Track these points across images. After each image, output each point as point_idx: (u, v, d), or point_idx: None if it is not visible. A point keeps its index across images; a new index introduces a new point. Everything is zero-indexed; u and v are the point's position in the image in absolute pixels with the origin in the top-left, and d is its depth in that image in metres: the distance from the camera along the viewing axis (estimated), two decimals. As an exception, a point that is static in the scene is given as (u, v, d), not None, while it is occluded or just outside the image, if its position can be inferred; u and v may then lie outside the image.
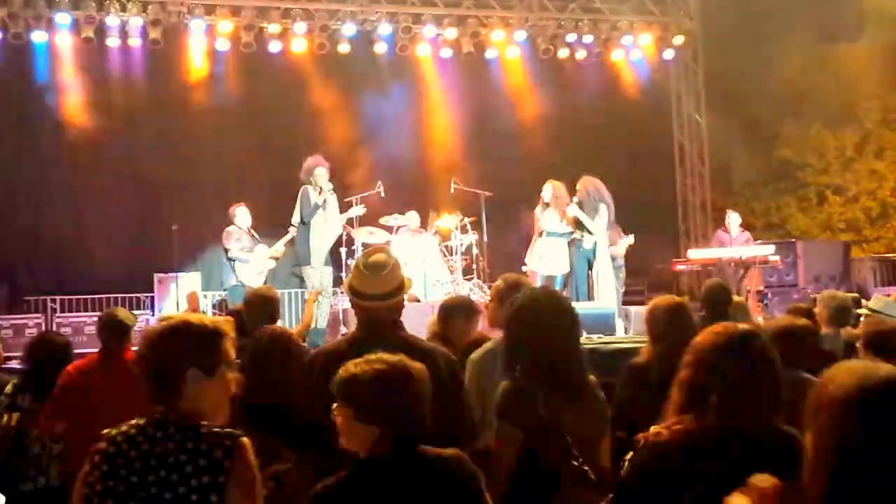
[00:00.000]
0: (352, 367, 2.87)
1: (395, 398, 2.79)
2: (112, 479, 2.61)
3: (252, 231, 11.34)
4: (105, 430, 2.72)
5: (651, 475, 2.74)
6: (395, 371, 2.83)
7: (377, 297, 3.74)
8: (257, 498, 2.70)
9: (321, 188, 10.86)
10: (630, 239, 11.74)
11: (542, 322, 3.72)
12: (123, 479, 2.60)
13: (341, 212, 11.27)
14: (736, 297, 7.25)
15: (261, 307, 5.81)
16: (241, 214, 11.27)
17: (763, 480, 2.19)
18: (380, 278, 3.74)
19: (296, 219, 11.00)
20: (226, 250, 11.18)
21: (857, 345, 5.18)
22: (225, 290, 11.65)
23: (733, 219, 12.94)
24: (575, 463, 3.42)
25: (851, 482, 1.84)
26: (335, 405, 2.86)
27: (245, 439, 2.67)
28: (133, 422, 2.71)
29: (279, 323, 6.08)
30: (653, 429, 2.82)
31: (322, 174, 10.89)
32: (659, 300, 4.94)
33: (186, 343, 2.72)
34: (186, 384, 2.69)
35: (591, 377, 3.78)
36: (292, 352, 4.72)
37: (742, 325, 2.94)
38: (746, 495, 2.18)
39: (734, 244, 12.46)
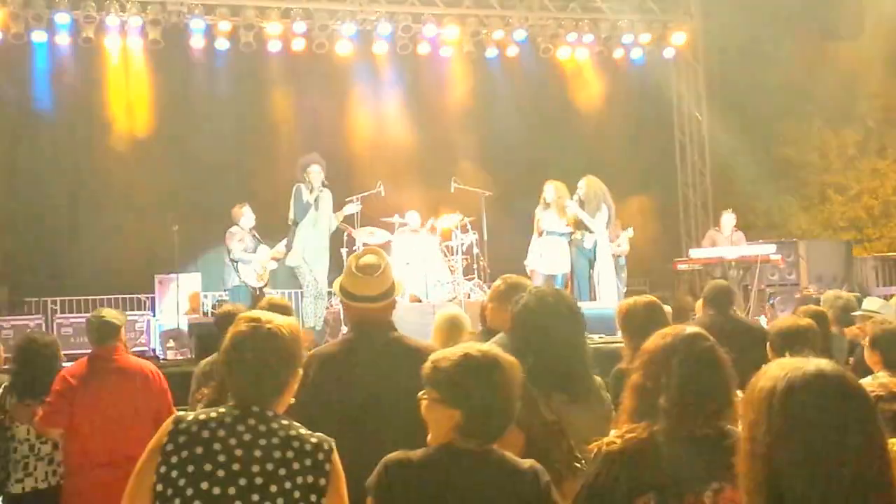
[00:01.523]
0: (443, 352, 2.88)
1: (480, 384, 2.77)
2: (209, 463, 2.62)
3: (254, 232, 11.35)
4: (183, 413, 2.75)
5: (603, 485, 2.72)
6: (483, 357, 2.82)
7: (369, 298, 3.75)
8: (346, 501, 2.77)
9: (313, 186, 10.83)
10: (629, 232, 11.73)
11: (548, 321, 3.70)
12: (223, 465, 2.62)
13: (336, 209, 11.25)
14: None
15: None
16: (246, 215, 11.30)
17: None
18: (372, 280, 3.75)
19: (290, 218, 11.00)
20: (228, 251, 11.18)
21: (863, 343, 5.18)
22: (226, 290, 11.64)
23: (727, 219, 12.89)
24: (578, 465, 3.39)
25: (780, 472, 1.82)
26: (423, 391, 2.85)
27: (333, 443, 2.77)
28: (222, 410, 2.73)
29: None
30: (606, 438, 2.80)
31: (315, 171, 10.85)
32: (634, 300, 4.90)
33: (297, 347, 2.83)
34: (289, 385, 2.80)
35: (597, 378, 3.75)
36: None
37: (690, 328, 2.92)
38: None
39: (727, 244, 12.48)
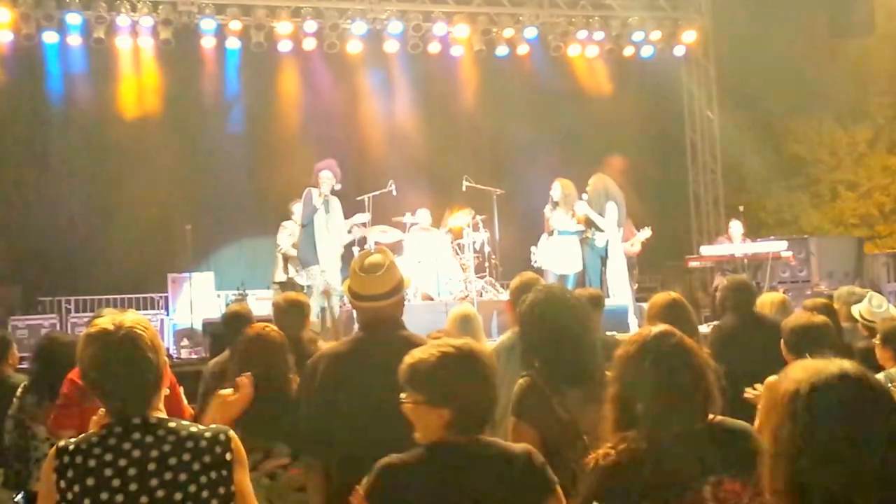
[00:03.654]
0: (417, 352, 2.89)
1: (464, 379, 2.80)
2: (105, 492, 2.56)
3: None
4: (64, 443, 2.64)
5: (603, 498, 2.74)
6: (460, 352, 2.85)
7: (375, 297, 3.78)
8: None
9: (321, 191, 10.86)
10: (646, 232, 11.72)
11: (557, 318, 3.72)
12: (120, 489, 2.57)
13: (347, 216, 11.23)
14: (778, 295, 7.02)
15: (289, 312, 5.76)
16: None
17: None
18: (376, 279, 3.78)
19: (297, 219, 11.05)
20: (277, 245, 11.32)
21: (875, 340, 5.18)
22: (269, 286, 11.79)
23: (735, 227, 12.57)
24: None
25: (807, 476, 1.83)
26: (404, 394, 2.86)
27: (231, 431, 2.75)
28: (103, 431, 2.65)
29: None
30: (601, 450, 2.81)
31: (326, 177, 10.84)
32: (657, 297, 4.90)
33: (157, 339, 2.75)
34: (162, 380, 2.75)
35: (608, 373, 3.77)
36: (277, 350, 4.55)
37: (655, 328, 2.91)
38: None
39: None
